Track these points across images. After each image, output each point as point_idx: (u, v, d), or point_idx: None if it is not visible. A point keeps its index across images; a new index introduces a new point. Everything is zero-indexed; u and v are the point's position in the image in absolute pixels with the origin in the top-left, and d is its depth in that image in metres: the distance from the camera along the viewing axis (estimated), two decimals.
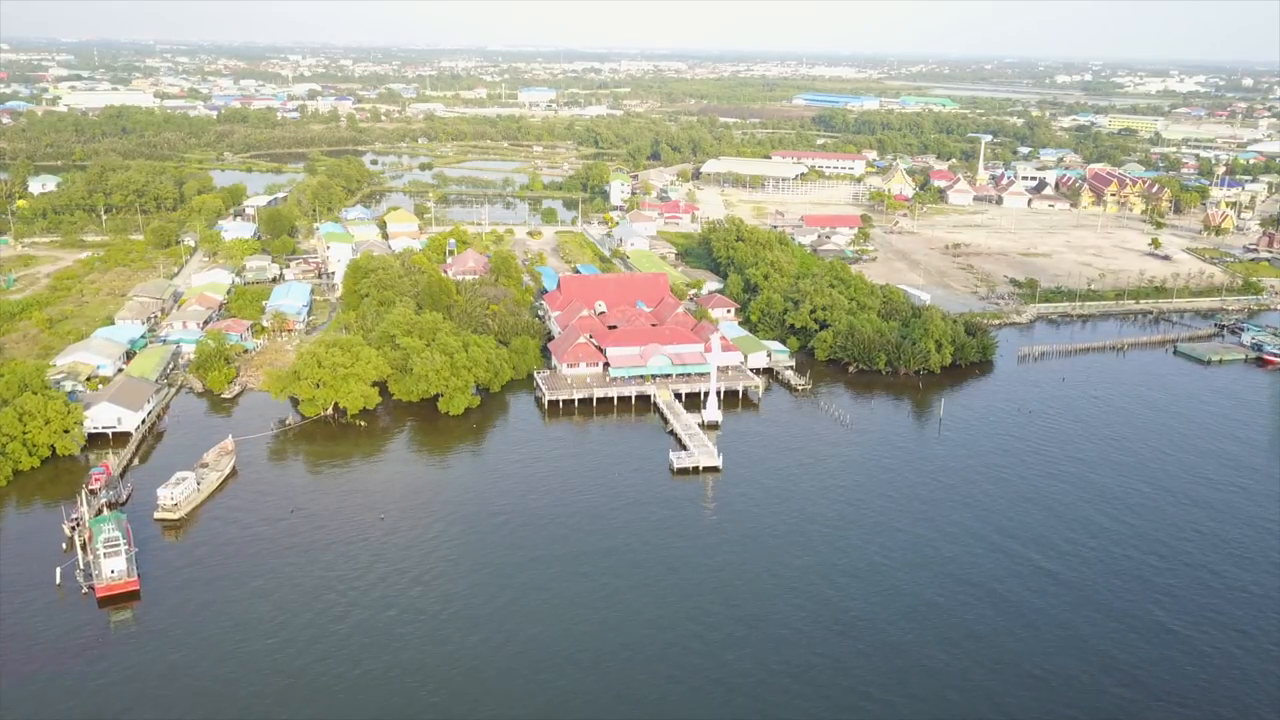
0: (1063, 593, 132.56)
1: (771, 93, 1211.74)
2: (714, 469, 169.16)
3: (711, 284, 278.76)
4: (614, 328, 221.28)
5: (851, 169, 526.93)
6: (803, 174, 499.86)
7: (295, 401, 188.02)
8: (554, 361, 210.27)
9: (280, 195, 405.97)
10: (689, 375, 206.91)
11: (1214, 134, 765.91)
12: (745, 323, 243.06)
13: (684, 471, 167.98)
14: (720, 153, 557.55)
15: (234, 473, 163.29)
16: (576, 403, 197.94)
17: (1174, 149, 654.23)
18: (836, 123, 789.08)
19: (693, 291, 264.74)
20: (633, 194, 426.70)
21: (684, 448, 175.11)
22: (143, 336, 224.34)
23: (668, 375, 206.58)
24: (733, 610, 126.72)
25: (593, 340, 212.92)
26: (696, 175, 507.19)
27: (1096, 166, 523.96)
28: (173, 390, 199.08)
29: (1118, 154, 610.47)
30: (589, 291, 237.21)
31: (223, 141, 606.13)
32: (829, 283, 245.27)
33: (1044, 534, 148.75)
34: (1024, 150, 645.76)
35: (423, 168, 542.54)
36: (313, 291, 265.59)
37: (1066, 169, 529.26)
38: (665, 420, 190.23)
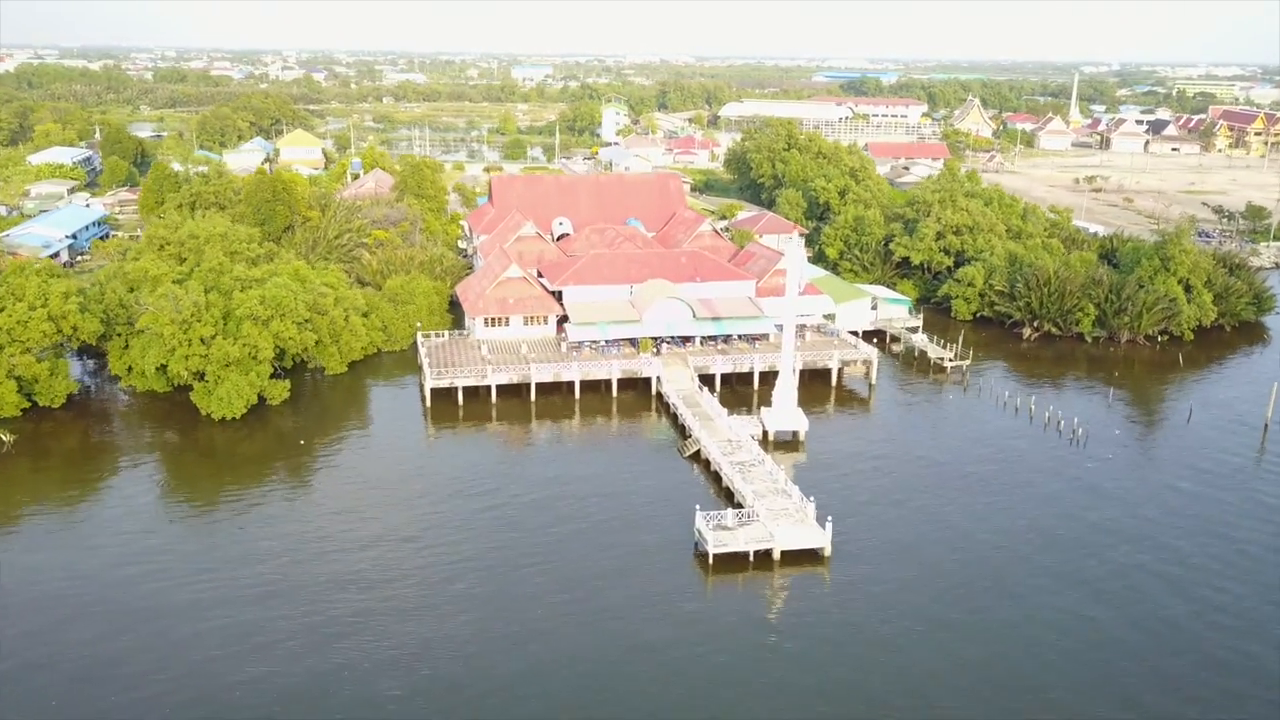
0: None
1: (788, 75, 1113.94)
2: (813, 555, 66.57)
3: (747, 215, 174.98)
4: None
5: (904, 115, 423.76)
6: (848, 117, 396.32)
7: None
8: (467, 321, 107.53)
9: (165, 133, 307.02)
10: (727, 340, 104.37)
11: None
12: (817, 261, 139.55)
13: (732, 562, 65.39)
14: (743, 97, 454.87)
15: None
16: (494, 394, 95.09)
17: None
18: (869, 89, 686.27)
19: (722, 223, 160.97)
20: (632, 123, 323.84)
21: (732, 502, 72.94)
22: None
23: (685, 340, 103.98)
24: None
25: (536, 277, 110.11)
26: (713, 122, 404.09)
27: (1221, 107, 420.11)
28: None
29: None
30: (539, 200, 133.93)
31: (144, 97, 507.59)
32: (956, 197, 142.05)
33: None
34: (1097, 109, 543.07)
35: (376, 119, 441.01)
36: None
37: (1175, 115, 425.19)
38: (682, 431, 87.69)
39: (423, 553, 66.57)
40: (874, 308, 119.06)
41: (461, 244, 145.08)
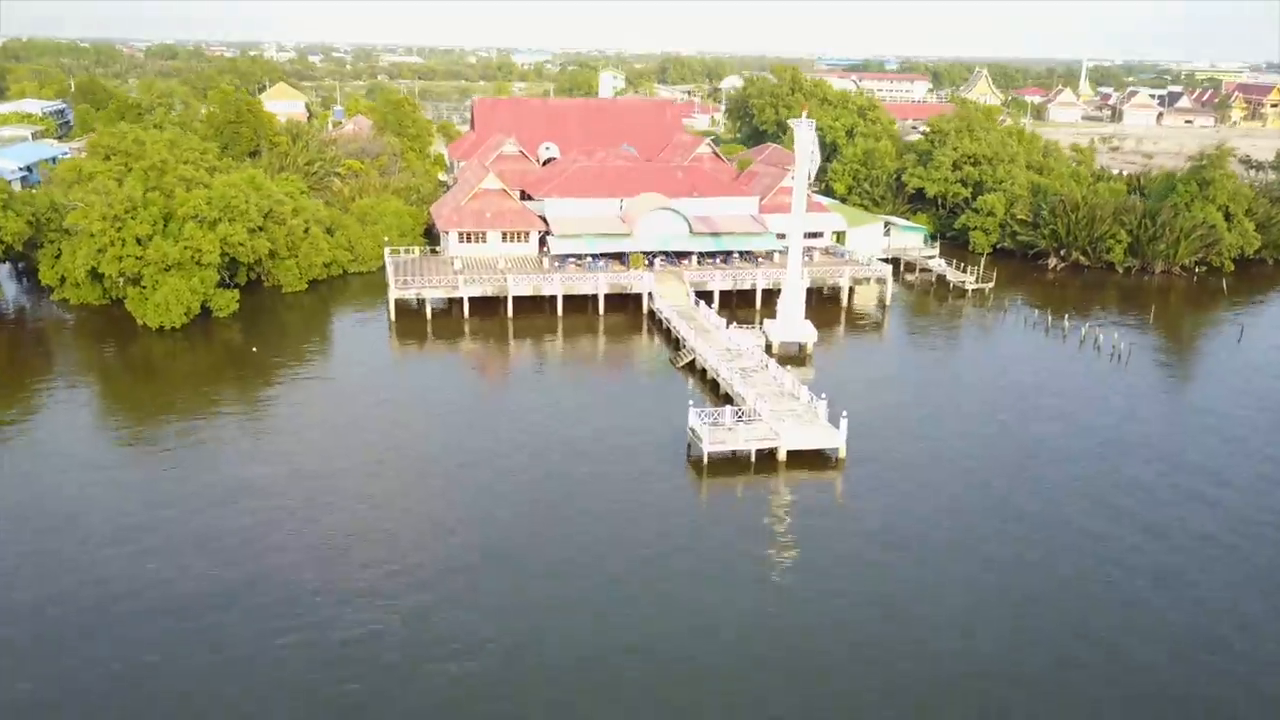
0: None
1: (789, 64, 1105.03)
2: (824, 458, 57.03)
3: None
4: None
5: (909, 90, 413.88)
6: (853, 91, 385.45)
7: None
8: (442, 240, 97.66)
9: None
10: (726, 259, 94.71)
11: None
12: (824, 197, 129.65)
13: (730, 466, 55.86)
14: (745, 70, 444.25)
15: None
16: (467, 310, 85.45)
17: None
18: (873, 69, 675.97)
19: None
20: (627, 85, 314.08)
21: (729, 401, 63.45)
22: None
23: (681, 257, 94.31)
24: None
25: (514, 190, 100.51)
26: (713, 94, 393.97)
27: (1236, 79, 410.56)
28: None
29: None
30: (525, 126, 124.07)
31: (133, 72, 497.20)
32: (974, 126, 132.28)
33: None
34: (1104, 90, 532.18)
35: (369, 94, 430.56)
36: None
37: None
38: (677, 344, 78.09)
39: (376, 481, 57.00)
40: (887, 234, 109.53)
41: (443, 177, 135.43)
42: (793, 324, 76.37)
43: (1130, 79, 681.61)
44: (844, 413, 56.69)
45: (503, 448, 58.63)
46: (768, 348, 76.49)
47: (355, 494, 52.62)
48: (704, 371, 70.59)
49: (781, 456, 56.21)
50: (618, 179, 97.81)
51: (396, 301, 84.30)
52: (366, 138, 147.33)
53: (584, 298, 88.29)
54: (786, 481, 55.20)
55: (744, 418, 58.25)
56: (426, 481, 54.48)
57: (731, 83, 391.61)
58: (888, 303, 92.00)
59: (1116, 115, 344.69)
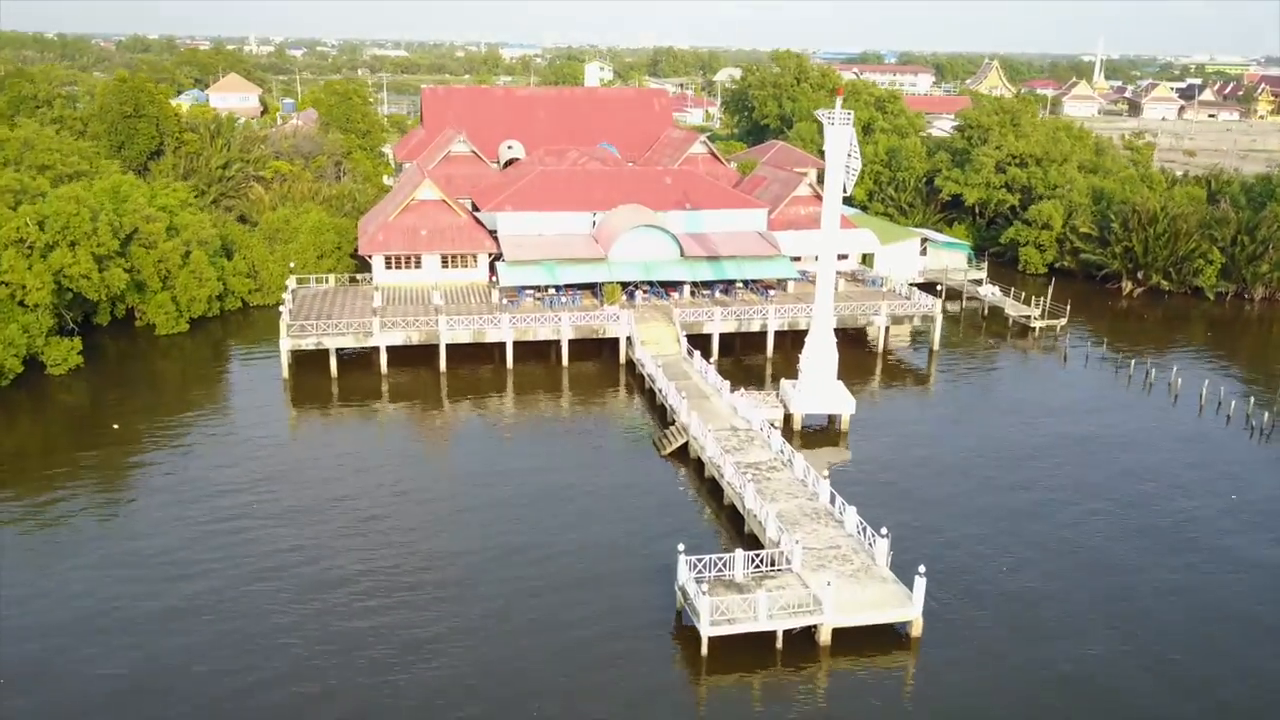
0: None
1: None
2: (891, 636, 36.66)
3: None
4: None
5: (914, 83, 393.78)
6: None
7: None
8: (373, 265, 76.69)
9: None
10: (728, 289, 74.26)
11: None
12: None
13: (742, 649, 35.47)
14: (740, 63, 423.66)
15: None
16: (385, 361, 64.85)
17: None
18: (872, 62, 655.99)
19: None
20: (615, 77, 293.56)
21: (739, 533, 43.08)
22: None
23: (669, 288, 73.81)
24: None
25: (460, 201, 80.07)
26: (707, 88, 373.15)
27: (1259, 72, 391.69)
28: None
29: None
30: (484, 119, 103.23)
31: (99, 65, 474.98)
32: (1020, 119, 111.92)
33: None
34: (1112, 82, 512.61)
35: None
36: None
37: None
38: (661, 417, 57.75)
39: (227, 638, 36.52)
40: (923, 253, 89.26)
41: (390, 181, 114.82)
42: (822, 388, 55.91)
43: (1136, 72, 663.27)
44: (920, 570, 36.26)
45: (392, 600, 38.22)
46: (786, 420, 56.13)
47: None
48: (699, 461, 50.29)
49: (824, 638, 35.85)
50: (590, 187, 77.29)
51: (293, 352, 63.78)
52: (306, 135, 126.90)
53: (543, 344, 67.95)
54: (834, 680, 34.86)
55: (763, 568, 37.96)
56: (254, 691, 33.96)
57: (728, 74, 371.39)
58: (935, 347, 71.66)
59: (1134, 109, 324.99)
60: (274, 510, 46.14)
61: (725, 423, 52.98)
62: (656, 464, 52.08)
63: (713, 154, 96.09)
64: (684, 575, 36.90)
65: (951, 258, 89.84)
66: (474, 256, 75.13)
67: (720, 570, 37.70)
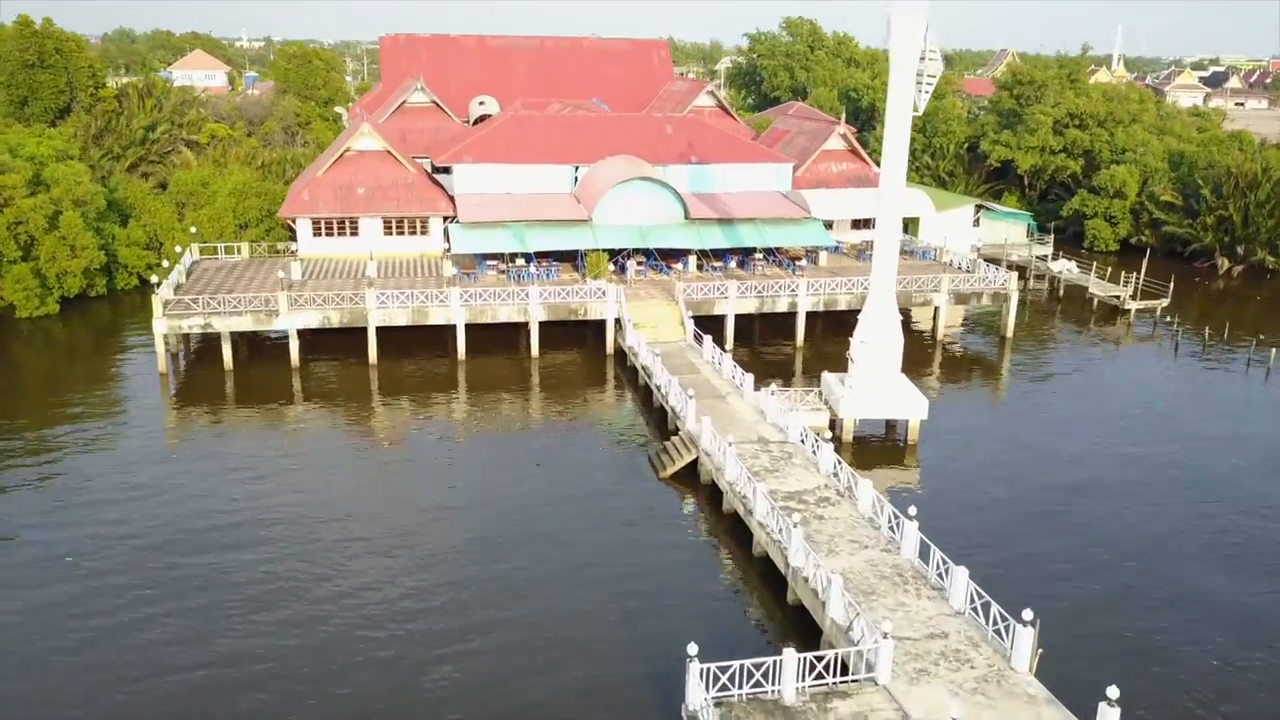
0: None
1: None
2: None
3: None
4: None
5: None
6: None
7: None
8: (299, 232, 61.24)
9: None
10: (744, 261, 58.97)
11: None
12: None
13: None
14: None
15: None
16: (296, 352, 49.66)
17: None
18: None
19: None
20: None
21: (783, 608, 27.85)
22: None
23: (670, 259, 58.51)
24: None
25: (414, 159, 64.68)
26: (711, 75, 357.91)
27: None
28: None
29: None
30: (453, 73, 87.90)
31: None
32: (1078, 75, 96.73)
33: None
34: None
35: None
36: None
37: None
38: (661, 424, 42.59)
39: None
40: (977, 221, 74.13)
41: None
42: (882, 384, 40.57)
43: (1143, 69, 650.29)
44: (1112, 693, 20.94)
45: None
46: (832, 425, 40.83)
47: None
48: (715, 488, 35.09)
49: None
50: (571, 136, 62.01)
51: (177, 337, 48.67)
52: (256, 100, 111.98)
53: (508, 328, 52.73)
54: None
55: (827, 679, 22.71)
56: None
57: (731, 60, 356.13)
58: (1009, 334, 56.33)
59: (1159, 97, 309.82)
60: (104, 564, 30.89)
61: (750, 431, 37.75)
62: (653, 492, 36.80)
63: (722, 107, 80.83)
64: (696, 697, 21.67)
65: (1010, 230, 74.63)
66: (425, 222, 59.85)
67: (757, 686, 22.46)
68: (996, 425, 44.60)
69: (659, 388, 42.84)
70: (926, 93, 39.36)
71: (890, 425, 42.11)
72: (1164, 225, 77.60)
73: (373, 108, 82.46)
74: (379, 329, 49.17)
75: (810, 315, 54.15)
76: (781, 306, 53.08)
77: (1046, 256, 72.62)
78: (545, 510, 35.02)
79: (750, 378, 41.48)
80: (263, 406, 45.12)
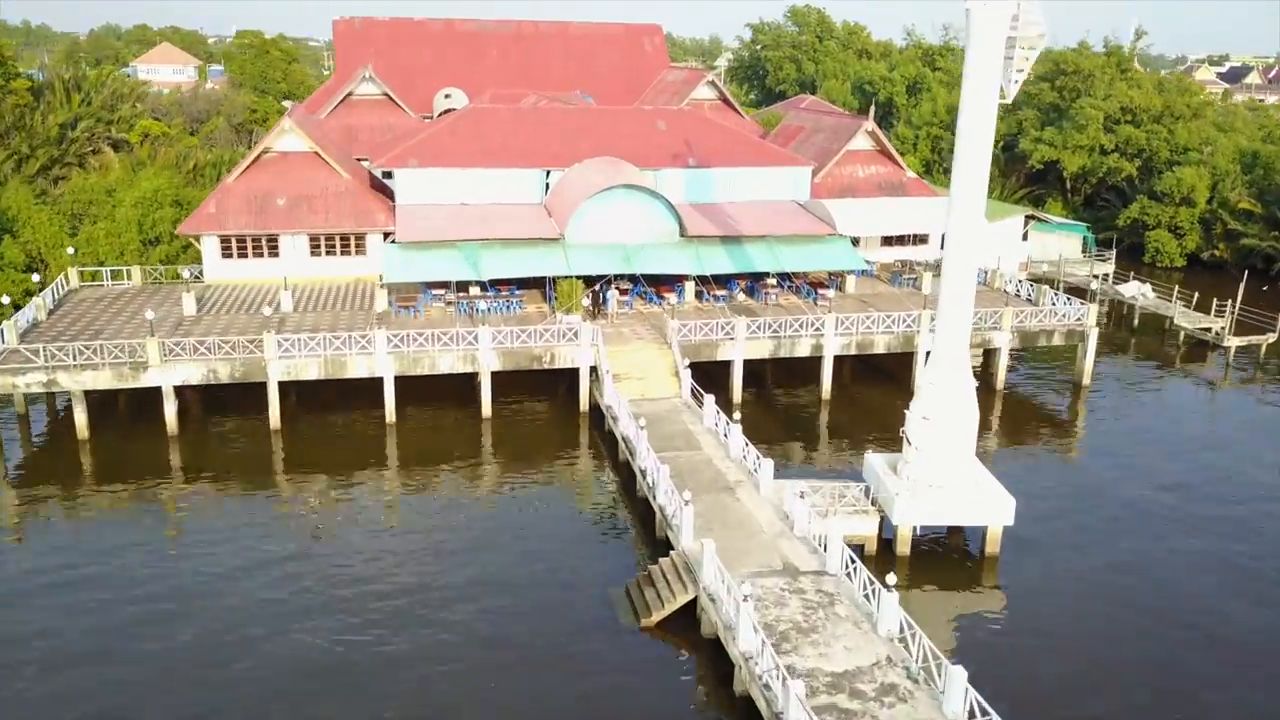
0: None
1: None
2: None
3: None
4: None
5: None
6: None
7: None
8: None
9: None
10: (753, 289, 47.80)
11: None
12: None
13: None
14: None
15: None
16: (169, 412, 38.35)
17: None
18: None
19: None
20: None
21: None
22: None
23: (661, 286, 47.30)
24: None
25: (353, 161, 53.38)
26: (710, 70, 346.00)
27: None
28: None
29: None
30: (417, 63, 76.80)
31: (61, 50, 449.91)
32: (1127, 65, 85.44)
33: None
34: None
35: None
36: None
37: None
38: (657, 526, 31.45)
39: None
40: (1025, 234, 62.95)
41: None
42: (953, 478, 29.34)
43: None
44: None
45: None
46: (881, 542, 29.61)
47: None
48: (720, 648, 23.96)
49: None
50: (542, 132, 50.74)
51: (24, 397, 37.62)
52: (206, 96, 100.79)
53: (454, 380, 41.46)
54: None
55: None
56: None
57: (733, 53, 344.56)
58: (1085, 380, 45.12)
59: None
60: None
61: (771, 555, 26.60)
62: (631, 649, 25.52)
63: (725, 99, 69.63)
64: None
65: (1063, 243, 63.49)
66: (362, 238, 48.64)
67: None
68: (1096, 518, 33.33)
69: (643, 472, 31.71)
70: (1019, 77, 28.26)
71: (953, 532, 30.97)
72: (1243, 237, 66.47)
73: (320, 103, 71.28)
74: (280, 386, 37.97)
75: (839, 361, 43.09)
76: (803, 350, 41.85)
77: (1107, 276, 61.52)
78: (467, 682, 23.84)
79: (769, 466, 30.29)
80: (129, 487, 34.03)
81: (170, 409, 37.20)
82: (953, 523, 29.79)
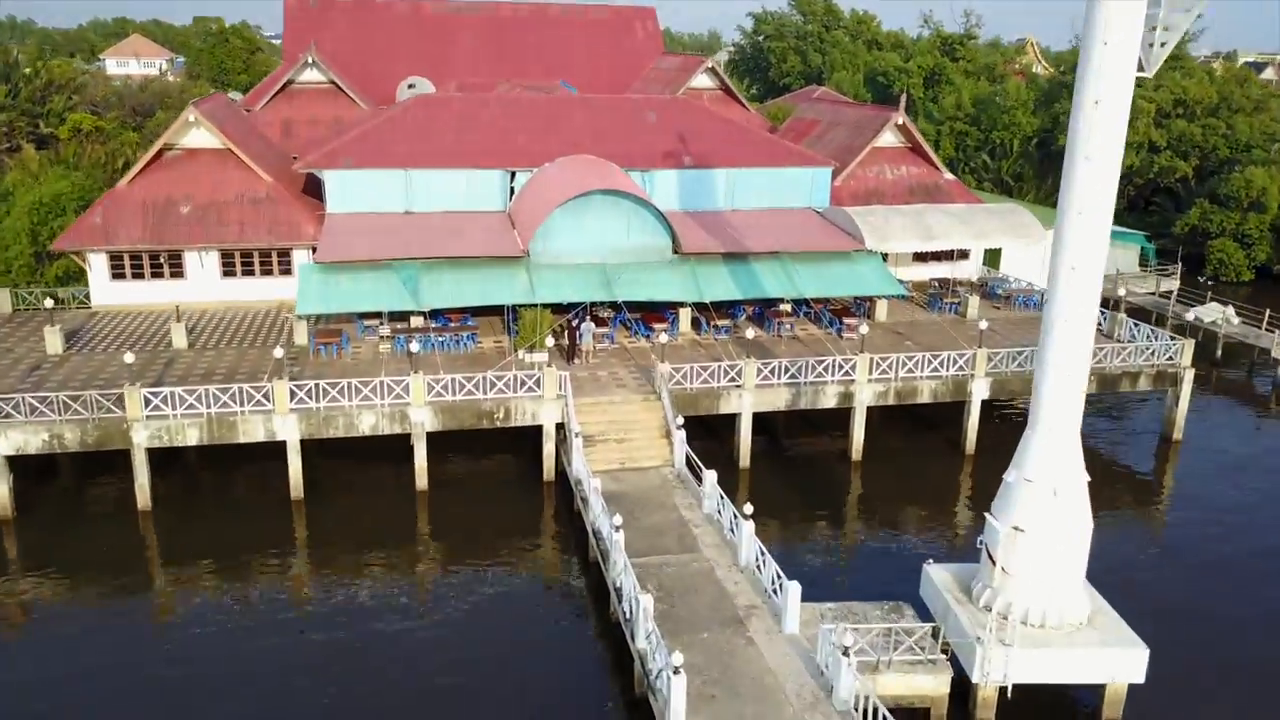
0: None
1: None
2: None
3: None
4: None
5: None
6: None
7: None
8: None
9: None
10: (762, 317, 39.15)
11: None
12: None
13: None
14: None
15: None
16: (8, 489, 29.81)
17: None
18: None
19: None
20: None
21: None
22: None
23: (652, 316, 38.56)
24: None
25: (282, 159, 44.61)
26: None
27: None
28: None
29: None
30: (379, 49, 68.14)
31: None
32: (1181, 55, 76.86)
33: None
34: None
35: None
36: None
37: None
38: (635, 678, 22.78)
39: None
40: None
41: None
42: (1060, 615, 20.72)
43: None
44: None
45: None
46: (953, 687, 20.97)
47: None
48: None
49: None
50: (507, 125, 42.00)
51: None
52: (152, 88, 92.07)
53: (385, 441, 32.58)
54: None
55: None
56: None
57: (734, 44, 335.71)
58: (1177, 434, 36.42)
59: None
60: None
61: None
62: None
63: (726, 89, 60.92)
64: None
65: (1120, 256, 54.77)
66: (286, 255, 39.87)
67: None
68: (1247, 655, 24.63)
69: (618, 592, 22.98)
70: (1169, 40, 19.75)
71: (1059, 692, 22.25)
72: None
73: (262, 93, 62.42)
74: (148, 453, 29.21)
75: (873, 412, 34.41)
76: (828, 400, 33.13)
77: (1172, 293, 52.77)
78: None
79: (795, 590, 21.50)
80: None
81: (3, 488, 28.44)
82: (1062, 680, 21.04)
